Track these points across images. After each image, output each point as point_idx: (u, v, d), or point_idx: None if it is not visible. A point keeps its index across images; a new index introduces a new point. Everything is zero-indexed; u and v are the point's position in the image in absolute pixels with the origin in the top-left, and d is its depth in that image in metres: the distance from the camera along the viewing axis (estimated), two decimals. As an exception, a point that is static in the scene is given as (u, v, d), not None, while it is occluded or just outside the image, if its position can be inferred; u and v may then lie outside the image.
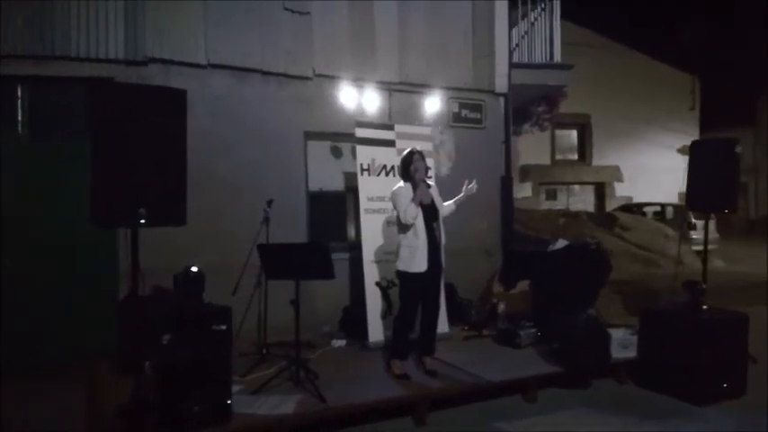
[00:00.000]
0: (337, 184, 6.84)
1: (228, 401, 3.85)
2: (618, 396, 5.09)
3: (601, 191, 20.24)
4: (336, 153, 6.80)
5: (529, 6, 8.43)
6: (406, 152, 4.95)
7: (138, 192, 3.12)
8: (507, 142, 7.92)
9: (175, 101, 3.26)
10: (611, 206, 19.29)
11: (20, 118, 5.61)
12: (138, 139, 3.11)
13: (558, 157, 19.84)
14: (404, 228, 4.84)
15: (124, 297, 4.89)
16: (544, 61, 8.50)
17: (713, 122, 21.13)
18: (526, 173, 19.00)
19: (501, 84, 7.78)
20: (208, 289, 5.10)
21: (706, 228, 6.29)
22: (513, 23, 8.89)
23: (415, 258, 4.78)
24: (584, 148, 20.01)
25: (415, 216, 4.75)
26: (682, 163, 22.01)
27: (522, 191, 19.10)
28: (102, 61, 5.61)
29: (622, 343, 5.46)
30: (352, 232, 6.99)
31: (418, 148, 5.23)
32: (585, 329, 4.99)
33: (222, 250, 5.79)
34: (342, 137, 6.63)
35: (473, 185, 5.19)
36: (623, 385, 5.33)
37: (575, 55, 18.12)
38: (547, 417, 4.60)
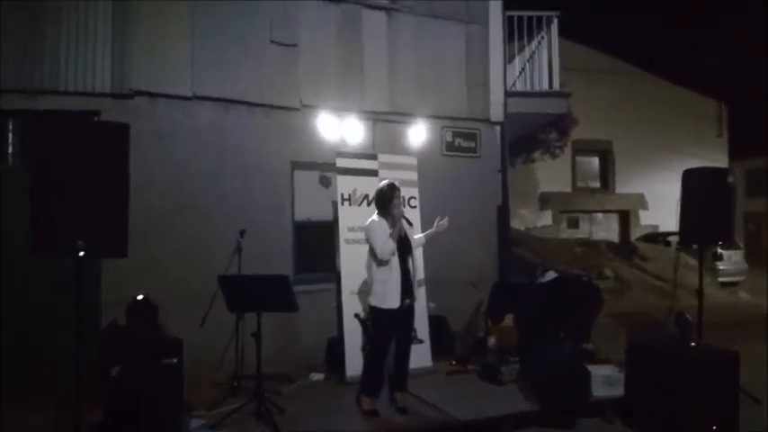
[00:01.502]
0: (326, 214, 6.81)
1: (178, 436, 3.81)
2: (602, 437, 4.87)
3: (625, 219, 19.75)
4: (325, 182, 6.79)
5: (526, 35, 8.36)
6: (385, 186, 4.83)
7: (78, 224, 3.14)
8: (504, 171, 7.81)
9: (118, 135, 3.28)
10: (635, 235, 18.82)
11: (10, 150, 5.77)
12: (78, 172, 3.14)
13: (580, 184, 19.48)
14: (379, 262, 4.75)
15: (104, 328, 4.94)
16: (546, 89, 8.38)
17: (742, 150, 20.57)
18: (546, 201, 18.71)
19: (496, 112, 7.71)
20: (186, 319, 5.14)
21: (700, 261, 6.03)
22: (517, 51, 8.87)
23: (388, 294, 4.67)
24: (606, 175, 19.61)
25: (393, 252, 4.66)
26: (710, 191, 21.24)
27: (542, 219, 18.81)
28: (89, 95, 5.77)
29: (607, 380, 5.24)
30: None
31: (398, 180, 5.23)
32: (561, 365, 4.79)
33: (204, 280, 5.77)
34: (330, 167, 6.61)
35: (444, 222, 5.09)
36: (609, 425, 5.09)
37: (596, 82, 18.10)
38: (519, 458, 4.43)
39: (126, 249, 3.38)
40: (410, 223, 4.85)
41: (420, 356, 5.95)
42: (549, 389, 4.77)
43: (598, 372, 5.27)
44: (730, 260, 15.38)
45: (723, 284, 14.61)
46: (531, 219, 18.64)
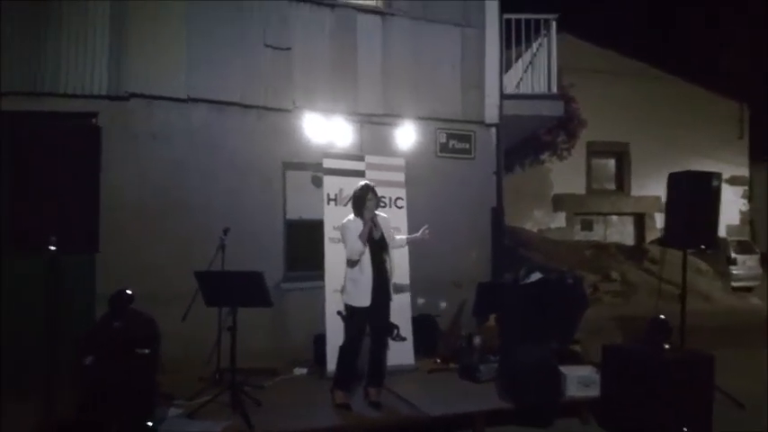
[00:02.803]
0: (318, 213, 6.90)
1: (149, 423, 3.98)
2: (575, 437, 4.94)
3: (640, 222, 19.52)
4: (317, 182, 6.91)
5: (526, 39, 8.40)
6: (360, 186, 5.00)
7: (50, 220, 3.34)
8: (499, 173, 7.86)
9: (90, 136, 3.48)
10: (650, 238, 18.60)
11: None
12: (51, 171, 3.35)
13: (595, 186, 19.31)
14: (350, 261, 4.89)
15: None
16: (545, 92, 8.41)
17: (764, 152, 20.16)
18: (559, 202, 18.60)
19: (491, 115, 7.77)
20: (176, 315, 5.33)
21: (684, 263, 6.02)
22: (514, 57, 8.92)
23: (359, 293, 4.81)
24: (622, 177, 19.39)
25: (361, 253, 4.79)
26: (731, 195, 21.03)
27: (556, 221, 18.71)
28: (87, 97, 5.99)
29: (583, 381, 5.26)
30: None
31: (385, 181, 5.38)
32: (532, 365, 4.86)
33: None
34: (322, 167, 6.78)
35: (428, 232, 5.14)
36: (585, 425, 5.16)
37: (614, 83, 17.93)
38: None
39: (97, 244, 3.56)
40: (374, 224, 4.93)
41: (403, 354, 6.09)
42: (520, 388, 4.84)
43: (575, 372, 5.32)
44: (745, 265, 15.15)
45: (735, 289, 14.40)
46: (544, 221, 18.55)
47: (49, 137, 3.42)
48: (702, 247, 5.80)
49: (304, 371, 5.96)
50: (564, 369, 5.30)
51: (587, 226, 19.26)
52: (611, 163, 19.65)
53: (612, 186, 19.61)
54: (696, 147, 18.90)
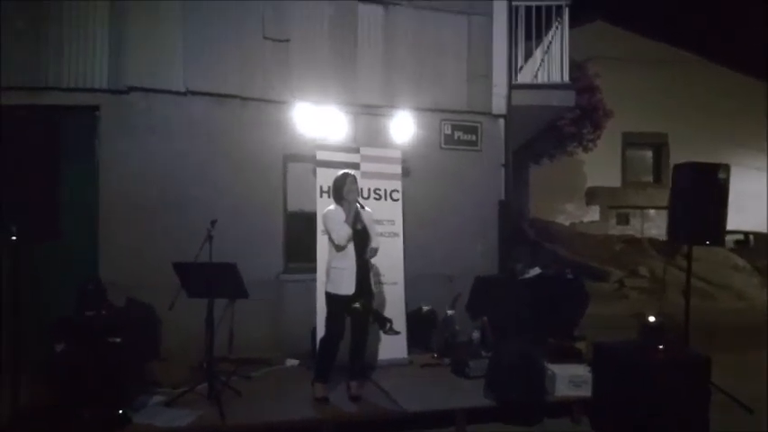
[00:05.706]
0: (318, 205, 6.94)
1: (121, 410, 4.06)
2: (564, 437, 4.80)
3: (679, 216, 18.79)
4: (318, 175, 6.92)
5: (535, 27, 8.13)
6: (339, 175, 4.99)
7: (10, 210, 3.42)
8: (507, 165, 7.66)
9: (49, 128, 3.54)
10: (689, 233, 17.93)
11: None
12: (11, 162, 3.42)
13: (631, 178, 18.70)
14: (336, 248, 4.86)
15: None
16: (557, 82, 8.13)
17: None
18: (593, 195, 18.10)
19: (499, 105, 7.56)
20: (179, 305, 5.37)
21: (689, 260, 5.75)
22: (526, 46, 8.66)
23: (344, 281, 4.78)
24: (659, 169, 18.72)
25: (348, 238, 4.76)
26: (776, 186, 19.85)
27: (589, 214, 18.23)
28: (88, 91, 6.13)
29: (575, 380, 5.10)
30: (333, 252, 7.04)
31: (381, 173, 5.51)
32: (514, 362, 4.73)
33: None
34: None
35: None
36: (576, 425, 5.02)
37: (648, 70, 17.30)
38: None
39: (59, 233, 3.63)
40: (362, 206, 4.92)
41: (397, 348, 6.03)
42: (502, 385, 4.72)
43: (566, 371, 5.16)
44: (786, 260, 14.41)
45: (777, 286, 13.70)
46: (577, 214, 18.11)
47: (9, 131, 3.49)
48: (708, 243, 5.49)
49: (296, 362, 5.97)
50: (555, 367, 5.16)
51: (623, 220, 18.68)
52: (648, 154, 19.00)
53: (650, 178, 18.96)
54: (738, 137, 18.11)
